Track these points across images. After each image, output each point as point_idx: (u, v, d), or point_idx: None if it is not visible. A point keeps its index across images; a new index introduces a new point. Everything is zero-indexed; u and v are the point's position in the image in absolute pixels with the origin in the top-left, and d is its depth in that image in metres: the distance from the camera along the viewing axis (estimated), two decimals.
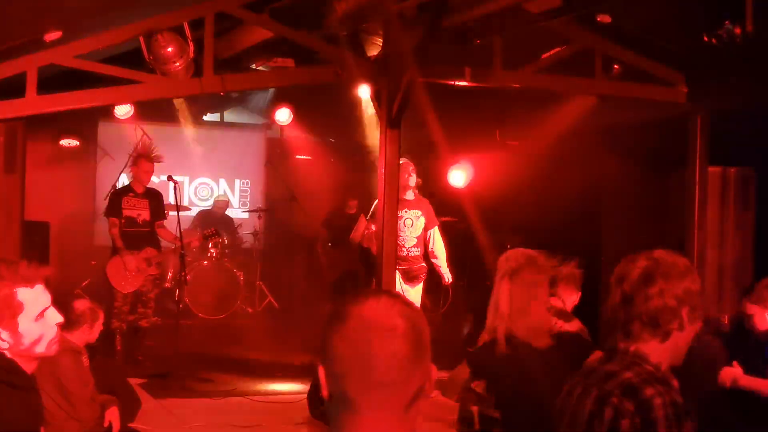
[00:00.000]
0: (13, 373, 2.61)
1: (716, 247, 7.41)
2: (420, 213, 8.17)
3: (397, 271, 7.61)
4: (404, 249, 7.98)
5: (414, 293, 8.22)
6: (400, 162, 7.57)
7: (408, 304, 1.65)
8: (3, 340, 2.60)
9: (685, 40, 6.53)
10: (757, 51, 5.68)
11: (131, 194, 8.69)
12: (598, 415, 2.39)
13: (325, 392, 1.63)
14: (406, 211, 7.95)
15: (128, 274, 8.44)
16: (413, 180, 8.11)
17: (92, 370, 5.34)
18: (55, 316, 2.70)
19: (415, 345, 1.59)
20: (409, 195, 8.08)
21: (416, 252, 8.18)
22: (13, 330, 2.60)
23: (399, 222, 7.64)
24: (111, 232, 8.61)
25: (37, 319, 2.65)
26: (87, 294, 6.69)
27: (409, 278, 8.14)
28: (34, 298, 2.64)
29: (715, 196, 7.44)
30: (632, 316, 2.46)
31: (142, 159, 8.75)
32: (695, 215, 7.27)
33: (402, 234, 7.80)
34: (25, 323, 2.62)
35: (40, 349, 2.67)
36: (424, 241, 8.27)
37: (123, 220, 8.56)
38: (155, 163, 8.86)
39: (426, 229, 8.25)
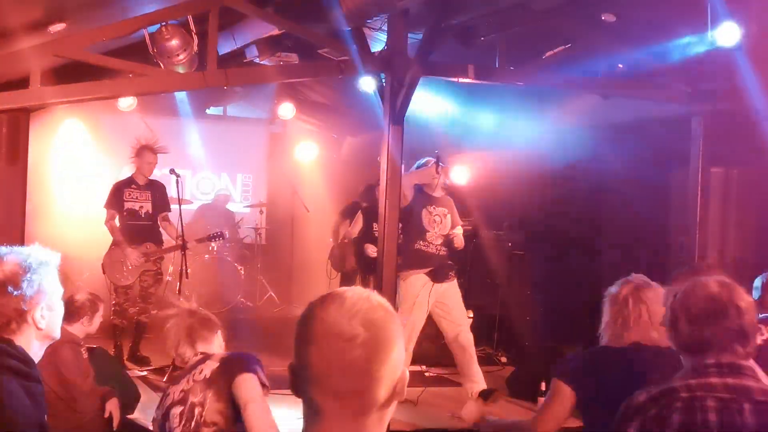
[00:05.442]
0: (25, 363, 2.57)
1: (717, 248, 7.42)
2: (446, 211, 7.62)
3: (424, 275, 7.27)
4: (433, 246, 7.44)
5: (452, 291, 7.47)
6: (428, 159, 7.38)
7: (375, 307, 1.60)
8: (42, 318, 2.55)
9: (688, 40, 6.54)
10: (759, 51, 5.69)
11: (133, 186, 8.46)
12: None
13: (295, 393, 1.62)
14: (434, 208, 7.50)
15: (125, 267, 8.23)
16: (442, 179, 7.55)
17: (92, 362, 5.36)
18: (62, 305, 2.69)
19: (376, 352, 1.55)
20: (438, 192, 7.58)
21: (444, 251, 7.52)
22: (51, 309, 2.58)
23: (430, 218, 7.39)
24: (107, 224, 8.34)
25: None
26: (86, 286, 6.69)
27: (438, 278, 7.43)
28: (59, 281, 2.64)
29: (717, 197, 7.44)
30: None
31: (146, 150, 8.47)
32: (697, 215, 7.28)
33: (432, 231, 7.42)
34: (58, 303, 2.61)
35: (57, 333, 2.65)
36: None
37: (124, 213, 8.35)
38: (159, 155, 8.57)
39: (453, 227, 7.67)
